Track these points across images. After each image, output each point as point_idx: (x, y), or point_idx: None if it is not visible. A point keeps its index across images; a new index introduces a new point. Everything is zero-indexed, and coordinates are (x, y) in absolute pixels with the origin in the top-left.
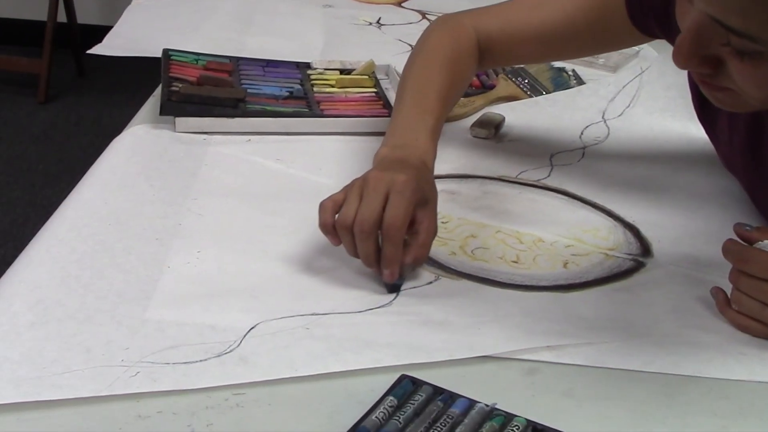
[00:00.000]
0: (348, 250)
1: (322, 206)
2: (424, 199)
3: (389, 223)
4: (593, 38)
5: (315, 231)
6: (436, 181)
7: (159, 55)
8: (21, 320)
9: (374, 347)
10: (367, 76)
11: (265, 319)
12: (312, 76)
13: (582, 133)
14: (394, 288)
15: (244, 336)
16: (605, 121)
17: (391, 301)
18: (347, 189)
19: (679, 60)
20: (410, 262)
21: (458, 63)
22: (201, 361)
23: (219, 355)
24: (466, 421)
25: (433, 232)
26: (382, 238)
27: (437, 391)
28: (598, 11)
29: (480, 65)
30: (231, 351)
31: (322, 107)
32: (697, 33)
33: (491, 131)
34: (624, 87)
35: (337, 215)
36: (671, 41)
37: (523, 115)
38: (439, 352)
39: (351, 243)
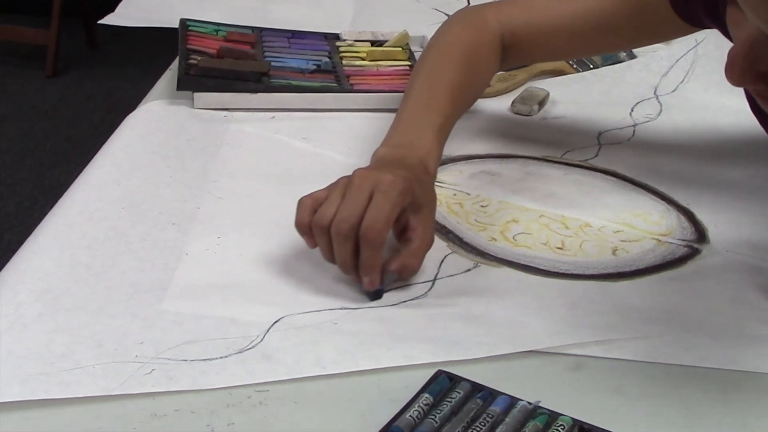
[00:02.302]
0: (324, 254)
1: (301, 203)
2: (417, 204)
3: (368, 225)
4: (632, 31)
5: None
6: (475, 161)
7: (176, 25)
8: (27, 311)
9: (408, 343)
10: (400, 49)
11: (290, 313)
12: (341, 49)
13: (632, 110)
14: (376, 295)
15: (268, 330)
16: (657, 98)
17: (426, 293)
18: (331, 187)
19: (732, 77)
20: (395, 270)
21: (476, 59)
22: (221, 357)
23: (240, 351)
24: (507, 420)
25: (428, 241)
26: (360, 241)
27: (476, 387)
28: (637, 1)
29: (504, 62)
30: (253, 347)
31: (351, 82)
32: (751, 49)
33: (534, 107)
34: (677, 61)
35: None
36: (723, 31)
37: (568, 90)
38: (478, 347)
39: (327, 245)
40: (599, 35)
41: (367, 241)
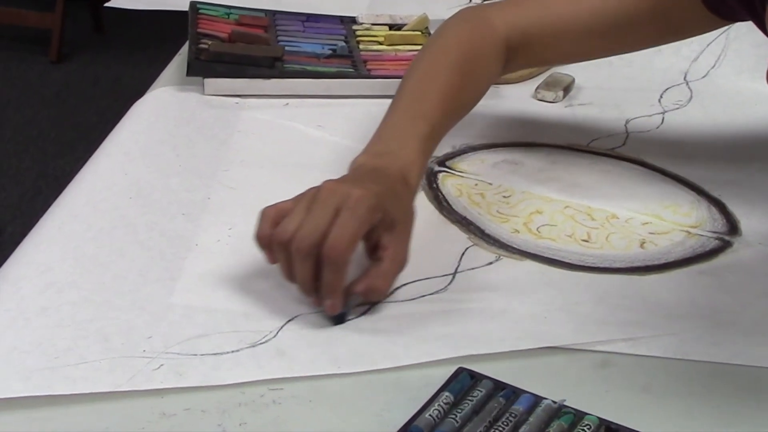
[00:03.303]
0: (283, 272)
1: (263, 214)
2: (390, 221)
3: (330, 244)
4: (655, 29)
5: None
6: (497, 150)
7: (186, 8)
8: (31, 305)
9: (427, 339)
10: (419, 32)
11: (305, 312)
12: (358, 32)
13: (661, 97)
14: (338, 319)
15: (282, 327)
16: (687, 84)
17: (446, 286)
18: (298, 198)
19: None
20: (360, 292)
21: (474, 62)
22: (233, 352)
23: (253, 346)
24: (531, 419)
25: (400, 261)
26: (322, 261)
27: (498, 386)
28: None
29: (509, 65)
30: (266, 341)
31: (368, 67)
32: None
33: (559, 94)
34: (708, 45)
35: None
36: (759, 25)
37: (595, 76)
38: (500, 342)
39: (287, 263)
40: (619, 34)
41: (329, 261)
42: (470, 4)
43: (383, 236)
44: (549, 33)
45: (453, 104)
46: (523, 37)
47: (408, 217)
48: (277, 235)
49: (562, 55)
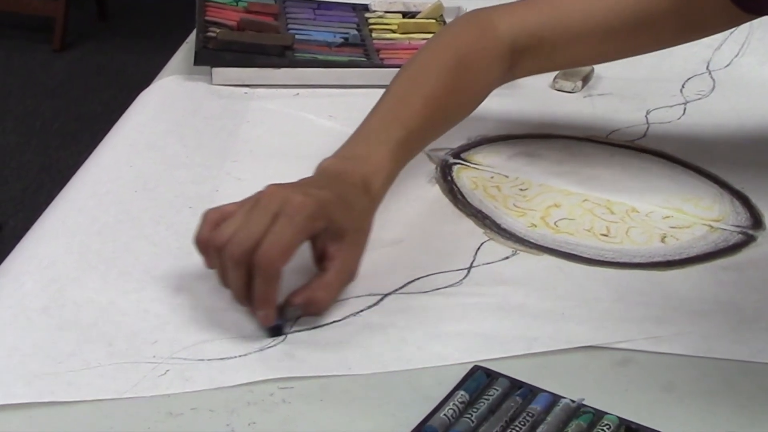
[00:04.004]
0: (219, 277)
1: (205, 216)
2: (337, 231)
3: (261, 253)
4: (676, 26)
5: None
6: (513, 141)
7: None
8: (32, 303)
9: (441, 339)
10: (434, 20)
11: None
12: (370, 20)
13: (683, 87)
14: (273, 331)
15: (291, 326)
16: (710, 73)
17: (461, 280)
18: (243, 202)
19: None
20: (299, 304)
21: (469, 68)
22: (240, 356)
23: (261, 350)
24: (548, 419)
25: (346, 273)
26: (253, 270)
27: (515, 384)
28: None
29: (513, 70)
30: (275, 345)
31: (381, 56)
32: None
33: (578, 84)
34: (731, 33)
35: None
36: None
37: (614, 65)
38: (516, 343)
39: (221, 269)
40: (637, 34)
41: (259, 270)
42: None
43: (329, 246)
44: (561, 35)
45: (438, 110)
46: (532, 40)
47: (361, 226)
48: (213, 239)
49: (575, 58)
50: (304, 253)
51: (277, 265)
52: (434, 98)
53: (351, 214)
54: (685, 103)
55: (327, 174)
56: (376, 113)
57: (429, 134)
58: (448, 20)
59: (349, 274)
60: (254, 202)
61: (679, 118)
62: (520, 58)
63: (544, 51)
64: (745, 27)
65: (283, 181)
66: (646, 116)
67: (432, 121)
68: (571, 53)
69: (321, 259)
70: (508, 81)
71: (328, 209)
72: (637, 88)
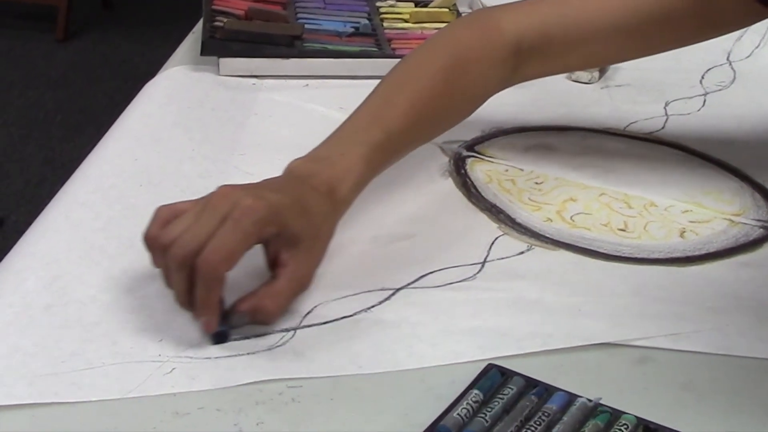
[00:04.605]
0: (163, 278)
1: (156, 213)
2: (290, 237)
3: (203, 257)
4: (695, 23)
5: (386, 192)
6: (529, 134)
7: None
8: (35, 301)
9: (454, 336)
10: (447, 9)
11: (324, 300)
12: (382, 9)
13: (703, 78)
14: (217, 338)
15: (300, 322)
16: (730, 64)
17: (474, 275)
18: (197, 201)
19: None
20: (246, 311)
21: (465, 70)
22: (248, 354)
23: (270, 349)
24: (564, 418)
25: (298, 282)
26: (195, 274)
27: (530, 383)
28: None
29: (520, 72)
30: (284, 343)
31: (393, 46)
32: None
33: (595, 74)
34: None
35: None
36: None
37: None
38: (531, 339)
39: (166, 269)
40: (654, 33)
41: (201, 274)
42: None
43: (282, 252)
44: (573, 34)
45: (426, 112)
46: (540, 40)
47: (318, 233)
48: (159, 237)
49: (587, 59)
50: (260, 256)
51: (220, 270)
52: (422, 100)
53: (308, 220)
54: (704, 95)
55: (291, 176)
56: (357, 113)
57: (414, 138)
58: (461, 9)
59: (301, 283)
60: (205, 202)
61: (699, 109)
62: (526, 60)
63: (554, 51)
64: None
65: None
66: (664, 108)
67: (418, 124)
68: (584, 53)
69: (273, 265)
70: (513, 83)
71: (282, 214)
72: (656, 79)
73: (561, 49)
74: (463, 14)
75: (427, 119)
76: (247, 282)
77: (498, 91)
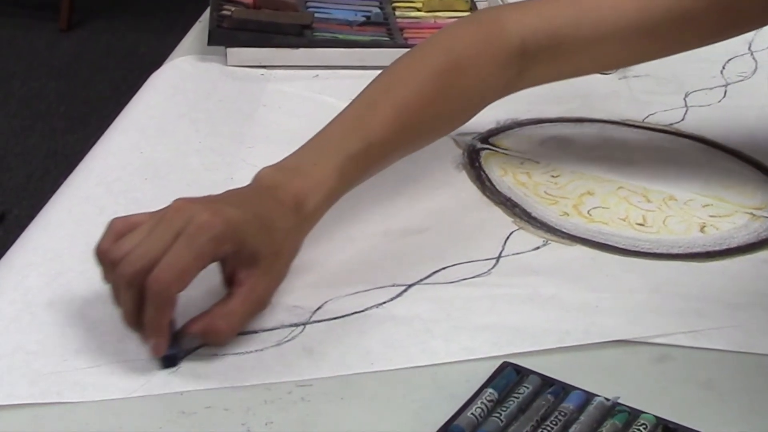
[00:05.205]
0: (112, 296)
1: (110, 225)
2: (249, 255)
3: (153, 276)
4: (715, 23)
5: (398, 185)
6: (545, 125)
7: None
8: (37, 298)
9: (468, 332)
10: None
11: (334, 296)
12: None
13: (723, 68)
14: (166, 362)
15: (310, 317)
16: (752, 54)
17: (489, 270)
18: (153, 214)
19: None
20: (196, 333)
21: (462, 73)
22: (256, 351)
23: (278, 344)
24: (581, 418)
25: (255, 303)
26: (145, 293)
27: (547, 382)
28: None
29: (526, 76)
30: (293, 339)
31: (405, 35)
32: None
33: None
34: None
35: None
36: None
37: None
38: (548, 336)
39: (114, 286)
40: (673, 33)
41: (150, 295)
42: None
43: (240, 270)
44: (586, 35)
45: (414, 120)
46: (549, 41)
47: (280, 251)
48: (109, 252)
49: (600, 61)
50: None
51: (170, 291)
52: (410, 106)
53: (269, 236)
54: (725, 85)
55: (256, 187)
56: (337, 119)
57: (398, 147)
58: (478, 1)
59: (258, 303)
60: (160, 216)
61: (720, 100)
62: (533, 62)
63: (564, 53)
64: None
65: None
66: (684, 99)
67: (404, 132)
68: (596, 55)
69: (230, 282)
70: (519, 88)
71: (240, 231)
72: (675, 69)
73: (572, 50)
74: (477, 2)
75: (414, 127)
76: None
77: (500, 97)
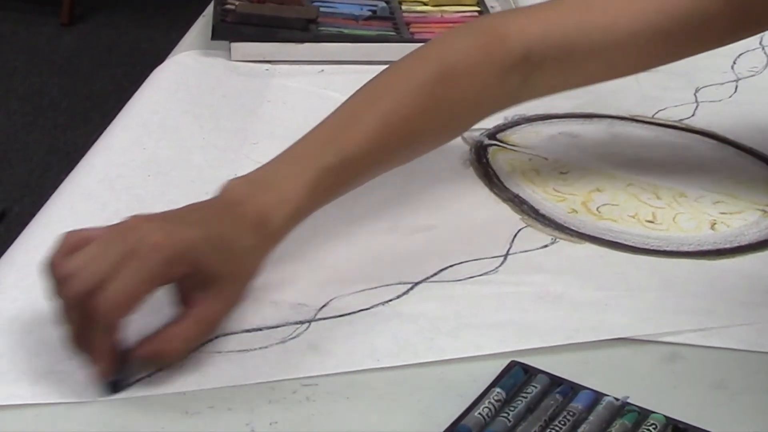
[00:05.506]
0: (59, 312)
1: (62, 239)
2: (206, 277)
3: (99, 299)
4: (732, 23)
5: (405, 182)
6: (553, 121)
7: None
8: (38, 295)
9: (476, 329)
10: None
11: (340, 294)
12: None
13: (734, 63)
14: (112, 387)
15: (316, 315)
16: (763, 48)
17: (496, 268)
18: (106, 229)
19: None
20: (143, 356)
21: (455, 83)
22: (260, 348)
23: (283, 341)
24: (590, 418)
25: (206, 326)
26: (90, 316)
27: (555, 381)
28: None
29: (531, 86)
30: (298, 336)
31: (412, 30)
32: None
33: None
34: None
35: None
36: None
37: None
38: (556, 333)
39: (60, 304)
40: (689, 35)
41: (96, 318)
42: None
43: (193, 292)
44: (598, 41)
45: (400, 134)
46: (557, 48)
47: (238, 272)
48: (57, 269)
49: (614, 68)
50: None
51: (116, 316)
52: (396, 119)
53: (226, 258)
54: (736, 81)
55: (218, 202)
56: (315, 130)
57: (380, 161)
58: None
59: (208, 326)
60: (113, 234)
61: (731, 96)
62: (539, 72)
63: (574, 61)
64: None
65: None
66: (695, 94)
67: (387, 146)
68: (610, 62)
69: (183, 301)
70: (523, 100)
71: (193, 252)
72: (686, 64)
73: (582, 57)
74: (490, 7)
75: (399, 141)
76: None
77: (500, 109)
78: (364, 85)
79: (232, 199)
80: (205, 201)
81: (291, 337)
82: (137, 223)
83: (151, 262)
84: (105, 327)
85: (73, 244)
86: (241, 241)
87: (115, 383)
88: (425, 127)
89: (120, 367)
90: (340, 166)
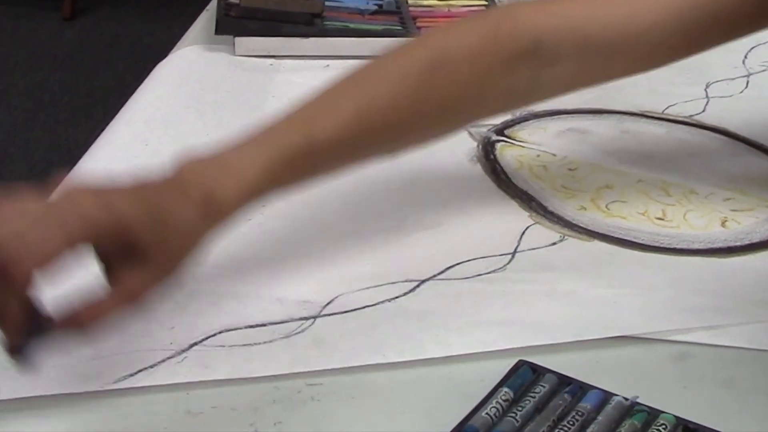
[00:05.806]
0: None
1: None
2: (138, 251)
3: (11, 256)
4: (752, 14)
5: (411, 179)
6: (562, 117)
7: None
8: (40, 291)
9: (483, 326)
10: None
11: (345, 291)
12: None
13: (746, 57)
14: (20, 358)
15: (321, 311)
16: None
17: (504, 266)
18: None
19: None
20: (61, 325)
21: (448, 73)
22: (265, 343)
23: (288, 336)
24: (599, 418)
25: (128, 299)
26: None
27: (563, 381)
28: None
29: (542, 81)
30: (302, 331)
31: (419, 24)
32: None
33: None
34: None
35: None
36: None
37: None
38: (564, 331)
39: None
40: (712, 28)
41: (8, 271)
42: None
43: (121, 266)
44: (618, 34)
45: (381, 123)
46: (574, 42)
47: (175, 247)
48: None
49: (634, 63)
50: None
51: (27, 275)
52: (376, 107)
53: (161, 229)
54: (748, 75)
55: (166, 178)
56: (288, 111)
57: (356, 151)
58: None
59: (131, 299)
60: (50, 203)
61: (742, 91)
62: (550, 67)
63: (591, 55)
64: None
65: None
66: (705, 89)
67: (363, 135)
68: (630, 56)
69: (112, 281)
70: (532, 100)
71: (126, 219)
72: (696, 58)
73: (601, 51)
74: (498, 0)
75: (379, 130)
76: None
77: (506, 108)
78: (352, 69)
79: (181, 177)
80: (151, 176)
81: (296, 332)
82: (73, 193)
83: (74, 226)
84: (9, 287)
85: (6, 213)
86: (181, 215)
87: (17, 350)
88: (411, 118)
89: (34, 336)
90: (307, 149)
